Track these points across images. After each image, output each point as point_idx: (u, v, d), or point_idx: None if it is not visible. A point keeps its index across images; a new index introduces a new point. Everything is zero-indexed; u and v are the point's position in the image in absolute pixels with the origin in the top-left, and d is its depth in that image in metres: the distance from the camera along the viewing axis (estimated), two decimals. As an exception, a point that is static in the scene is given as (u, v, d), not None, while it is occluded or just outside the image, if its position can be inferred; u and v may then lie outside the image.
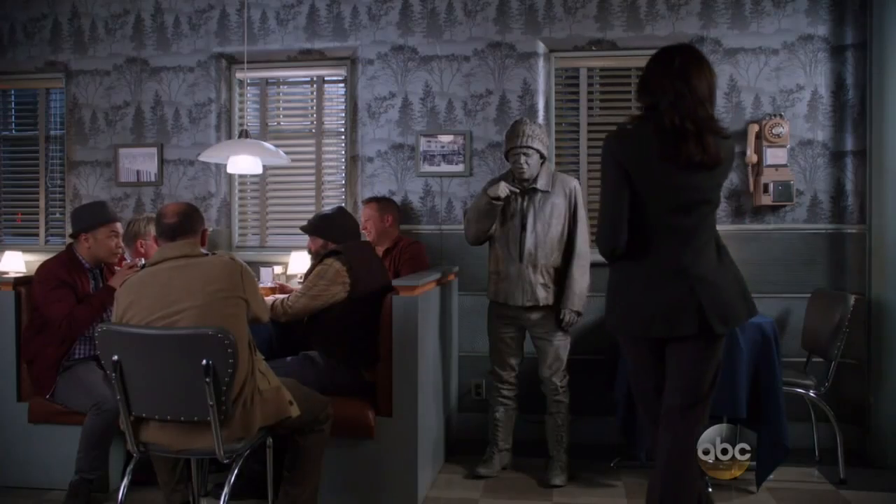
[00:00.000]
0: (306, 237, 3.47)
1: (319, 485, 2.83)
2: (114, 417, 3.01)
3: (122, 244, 3.46)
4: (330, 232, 3.38)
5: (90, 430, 3.08)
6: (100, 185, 4.69)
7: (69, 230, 3.68)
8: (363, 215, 4.13)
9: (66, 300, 3.20)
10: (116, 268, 3.61)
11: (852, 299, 3.60)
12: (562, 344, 3.58)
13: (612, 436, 3.80)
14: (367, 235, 4.03)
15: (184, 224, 2.55)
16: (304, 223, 3.49)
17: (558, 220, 3.52)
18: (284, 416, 2.55)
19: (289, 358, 3.25)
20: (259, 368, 2.54)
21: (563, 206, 3.53)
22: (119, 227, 3.44)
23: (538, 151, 3.48)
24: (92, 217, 3.37)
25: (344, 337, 3.18)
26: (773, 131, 3.98)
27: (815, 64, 4.09)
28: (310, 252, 3.47)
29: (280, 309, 3.19)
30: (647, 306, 2.33)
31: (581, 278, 3.51)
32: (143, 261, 3.46)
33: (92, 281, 3.38)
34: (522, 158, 3.46)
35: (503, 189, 3.43)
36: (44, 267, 3.31)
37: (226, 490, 2.41)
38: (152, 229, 3.68)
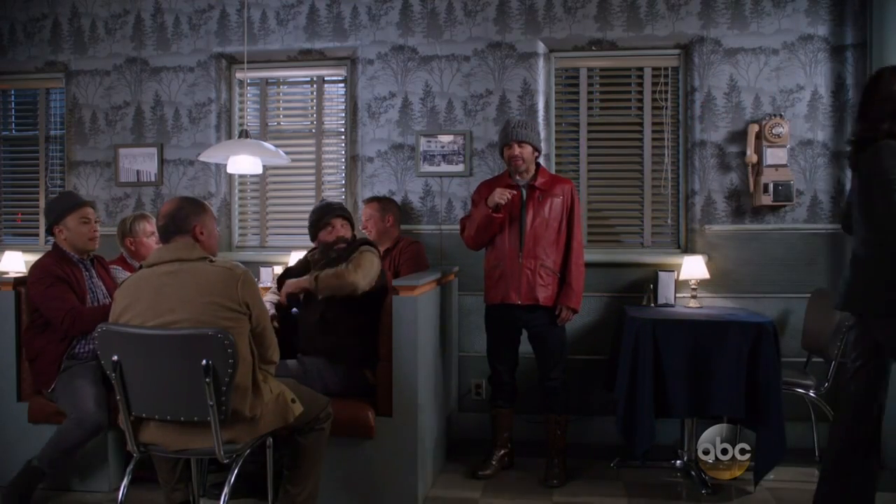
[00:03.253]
0: (306, 237, 3.45)
1: (319, 484, 2.83)
2: (91, 435, 3.06)
3: (97, 229, 3.42)
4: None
5: (65, 436, 3.07)
6: (100, 185, 4.69)
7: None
8: (364, 214, 4.13)
9: (64, 296, 3.19)
10: (115, 266, 3.61)
11: (852, 299, 3.59)
12: (560, 344, 3.58)
13: (612, 436, 3.79)
14: (367, 235, 4.03)
15: (169, 226, 2.48)
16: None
17: (556, 218, 3.53)
18: (288, 420, 2.54)
19: (289, 361, 3.23)
20: (259, 378, 2.48)
21: (560, 204, 3.54)
22: (90, 211, 3.39)
23: (531, 144, 3.51)
24: (60, 207, 3.35)
25: (349, 337, 3.17)
26: (773, 131, 3.98)
27: (815, 64, 4.09)
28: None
29: (335, 280, 3.05)
30: None
31: (578, 277, 3.52)
32: None
33: (85, 272, 3.36)
34: (517, 150, 3.48)
35: (499, 195, 3.42)
36: (36, 266, 3.29)
37: (226, 490, 2.41)
38: (139, 227, 3.66)
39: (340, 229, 3.34)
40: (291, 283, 3.20)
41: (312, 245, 3.46)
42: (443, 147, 4.35)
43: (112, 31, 4.69)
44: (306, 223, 3.44)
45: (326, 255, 3.31)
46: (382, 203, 4.14)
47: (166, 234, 2.48)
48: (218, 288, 2.34)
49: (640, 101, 4.32)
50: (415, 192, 4.38)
